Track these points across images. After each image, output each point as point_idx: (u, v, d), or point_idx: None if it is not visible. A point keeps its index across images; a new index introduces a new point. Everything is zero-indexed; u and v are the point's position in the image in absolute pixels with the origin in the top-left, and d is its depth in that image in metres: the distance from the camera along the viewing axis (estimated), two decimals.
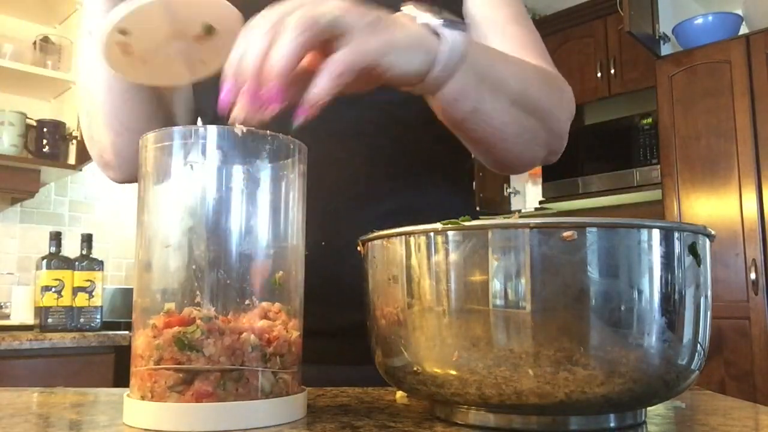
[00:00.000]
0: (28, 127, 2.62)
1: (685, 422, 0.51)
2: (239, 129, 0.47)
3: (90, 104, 0.78)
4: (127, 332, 2.32)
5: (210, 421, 0.43)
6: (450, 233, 0.43)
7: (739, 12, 2.90)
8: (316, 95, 0.46)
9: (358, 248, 0.52)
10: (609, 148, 3.24)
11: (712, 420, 0.50)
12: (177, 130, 0.49)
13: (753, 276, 2.53)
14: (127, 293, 2.91)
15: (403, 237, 0.45)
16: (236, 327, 0.46)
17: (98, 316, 2.34)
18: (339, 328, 0.71)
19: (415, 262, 0.44)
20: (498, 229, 0.41)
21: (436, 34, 0.53)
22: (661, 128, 2.84)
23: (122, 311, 2.82)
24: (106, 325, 2.42)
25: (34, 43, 2.69)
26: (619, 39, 3.26)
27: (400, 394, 0.59)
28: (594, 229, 0.40)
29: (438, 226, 0.43)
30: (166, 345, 0.45)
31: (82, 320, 2.30)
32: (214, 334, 0.45)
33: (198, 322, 0.45)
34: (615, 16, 3.20)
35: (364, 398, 0.58)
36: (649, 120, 3.09)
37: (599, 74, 3.33)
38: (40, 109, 2.81)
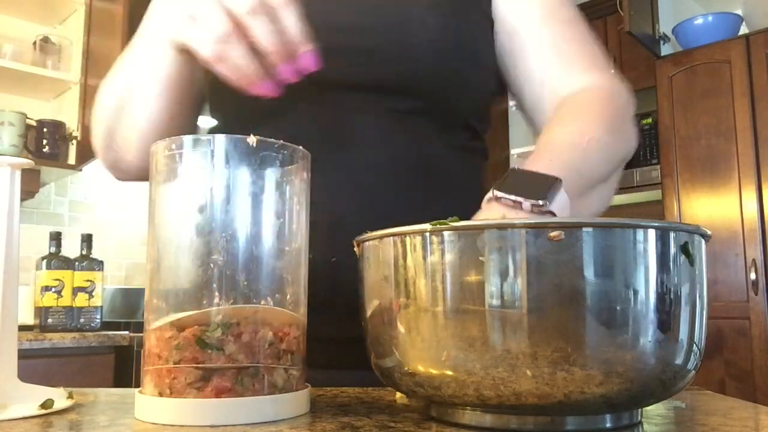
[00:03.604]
0: (28, 127, 2.62)
1: (685, 422, 0.51)
2: (252, 140, 0.50)
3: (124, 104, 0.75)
4: (127, 332, 2.32)
5: (229, 415, 0.46)
6: (445, 233, 0.43)
7: (739, 12, 2.89)
8: None
9: (354, 249, 0.52)
10: None
11: (712, 420, 0.50)
12: (187, 138, 0.51)
13: (753, 276, 2.53)
14: (127, 293, 2.92)
15: (395, 238, 0.46)
16: (253, 326, 0.48)
17: (98, 316, 2.34)
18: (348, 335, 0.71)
19: (409, 262, 0.44)
20: (492, 229, 0.41)
21: (550, 212, 0.53)
22: (661, 128, 2.84)
23: (122, 311, 2.83)
24: (106, 325, 2.43)
25: (34, 43, 2.69)
26: (619, 39, 3.26)
27: (399, 394, 0.59)
28: (589, 229, 0.40)
29: (428, 226, 0.43)
30: (186, 344, 0.47)
31: (82, 320, 2.30)
32: (233, 332, 0.47)
33: (218, 321, 0.47)
34: (615, 16, 3.20)
35: (364, 398, 0.58)
36: (649, 120, 3.09)
37: None
38: (40, 109, 2.81)
